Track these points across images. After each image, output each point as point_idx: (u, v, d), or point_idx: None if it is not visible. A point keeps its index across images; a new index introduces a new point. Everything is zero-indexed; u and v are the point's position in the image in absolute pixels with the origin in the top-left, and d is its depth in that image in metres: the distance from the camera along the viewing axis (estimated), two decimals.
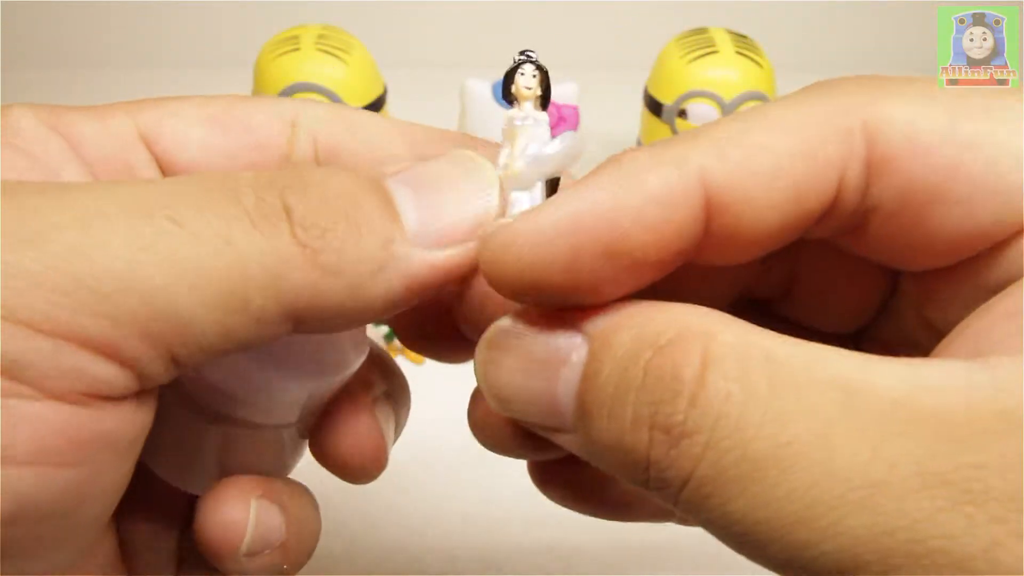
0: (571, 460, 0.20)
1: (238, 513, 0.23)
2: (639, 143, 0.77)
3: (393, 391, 0.27)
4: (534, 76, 0.22)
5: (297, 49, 0.68)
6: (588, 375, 0.17)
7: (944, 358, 0.16)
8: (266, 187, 0.18)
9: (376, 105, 0.71)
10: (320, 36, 0.69)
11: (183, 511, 0.27)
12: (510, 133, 0.23)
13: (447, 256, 0.20)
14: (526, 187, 0.22)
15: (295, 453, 0.27)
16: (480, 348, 0.20)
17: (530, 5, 1.09)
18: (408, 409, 0.29)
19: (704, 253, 0.18)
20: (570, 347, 0.18)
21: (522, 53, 0.23)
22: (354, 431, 0.25)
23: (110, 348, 0.16)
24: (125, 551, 0.24)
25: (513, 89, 0.22)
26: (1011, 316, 0.15)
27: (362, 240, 0.18)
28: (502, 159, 0.22)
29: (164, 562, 0.26)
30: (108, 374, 0.17)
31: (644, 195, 0.16)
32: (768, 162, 0.16)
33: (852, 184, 0.17)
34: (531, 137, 0.22)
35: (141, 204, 0.17)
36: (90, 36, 1.11)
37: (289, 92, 0.67)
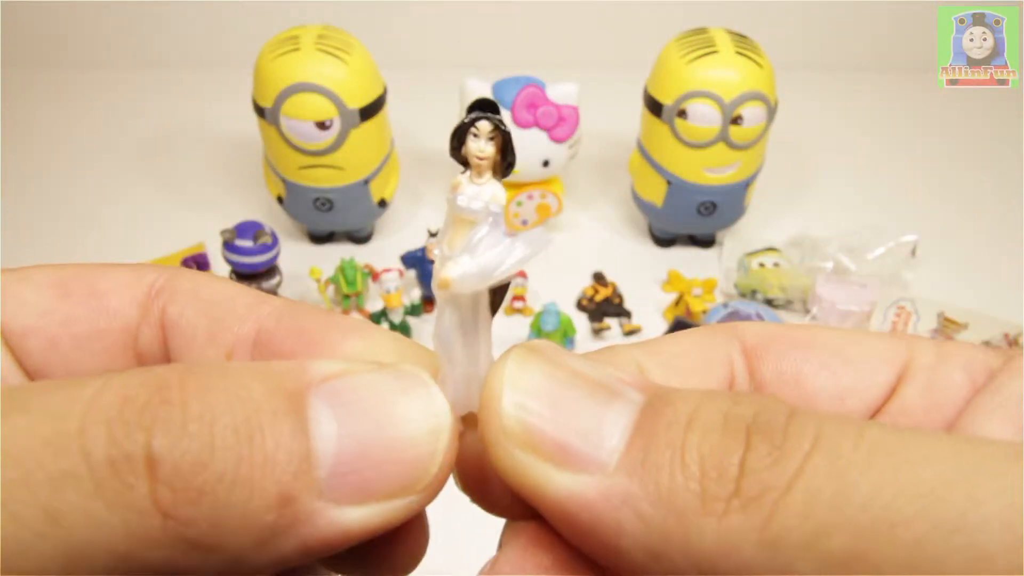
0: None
1: None
2: (639, 143, 0.77)
3: None
4: (491, 139, 0.17)
5: (297, 49, 0.68)
6: (654, 403, 0.16)
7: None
8: (129, 424, 0.14)
9: (376, 105, 0.71)
10: (320, 36, 0.69)
11: None
12: (453, 218, 0.17)
13: (362, 518, 0.15)
14: (455, 297, 0.17)
15: None
16: (517, 349, 0.17)
17: (530, 5, 1.09)
18: None
19: None
20: (625, 387, 0.16)
21: (478, 106, 0.17)
22: None
23: None
24: None
25: (464, 151, 0.17)
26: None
27: (251, 502, 0.14)
28: (439, 250, 0.17)
29: None
30: None
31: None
32: (679, 349, 0.21)
33: (738, 367, 0.21)
34: (480, 238, 0.17)
35: None
36: (90, 36, 1.11)
37: (289, 92, 0.67)
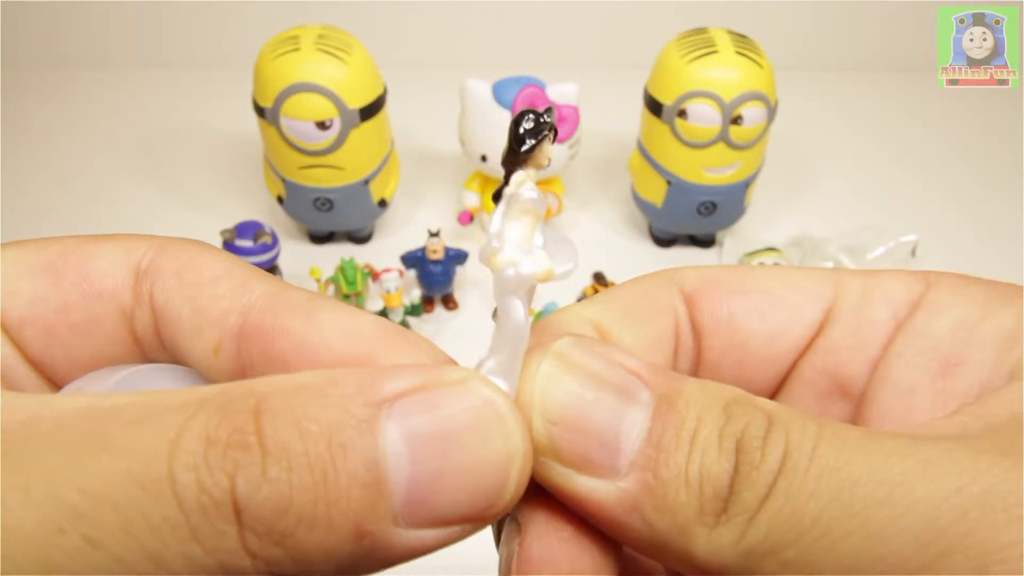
0: None
1: None
2: (639, 143, 0.77)
3: None
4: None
5: (297, 49, 0.68)
6: (662, 410, 0.17)
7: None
8: (214, 470, 0.14)
9: (376, 105, 0.71)
10: (320, 36, 0.69)
11: None
12: (531, 211, 0.19)
13: (436, 538, 0.16)
14: (530, 289, 0.19)
15: None
16: (547, 359, 0.18)
17: (530, 5, 1.09)
18: None
19: None
20: (637, 387, 0.18)
21: (547, 113, 0.18)
22: None
23: None
24: None
25: (536, 153, 0.18)
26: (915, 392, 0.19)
27: (330, 538, 0.15)
28: (500, 242, 0.19)
29: None
30: None
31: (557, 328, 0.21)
32: (628, 301, 0.22)
33: (680, 314, 0.22)
34: (550, 233, 0.19)
35: (55, 511, 0.14)
36: (90, 36, 1.11)
37: (289, 92, 0.67)
